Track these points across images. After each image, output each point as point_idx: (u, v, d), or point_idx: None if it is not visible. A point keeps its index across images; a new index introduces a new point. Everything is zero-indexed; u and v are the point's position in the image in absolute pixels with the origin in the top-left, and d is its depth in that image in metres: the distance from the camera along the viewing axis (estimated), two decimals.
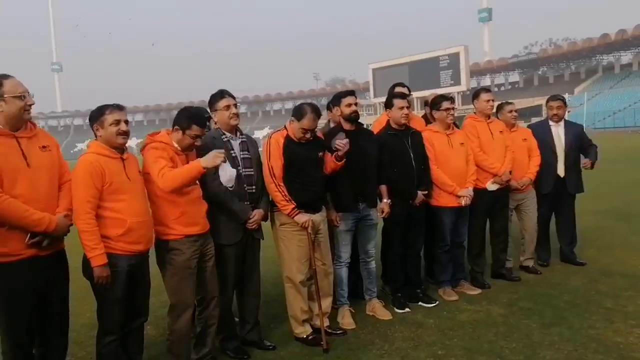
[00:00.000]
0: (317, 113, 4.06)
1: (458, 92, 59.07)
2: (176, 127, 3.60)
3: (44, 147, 3.18)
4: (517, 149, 5.55)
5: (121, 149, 3.35)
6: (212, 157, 3.37)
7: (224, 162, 3.43)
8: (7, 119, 3.05)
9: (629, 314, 4.38)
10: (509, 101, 5.99)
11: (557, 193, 5.86)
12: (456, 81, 65.47)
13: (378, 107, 65.06)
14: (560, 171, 5.84)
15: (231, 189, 3.79)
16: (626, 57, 75.21)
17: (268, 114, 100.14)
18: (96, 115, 3.32)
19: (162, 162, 3.43)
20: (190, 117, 3.59)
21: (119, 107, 3.35)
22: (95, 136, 3.36)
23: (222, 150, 3.49)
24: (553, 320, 4.36)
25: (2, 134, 3.02)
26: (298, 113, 4.07)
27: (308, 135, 4.08)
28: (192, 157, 3.63)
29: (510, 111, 5.68)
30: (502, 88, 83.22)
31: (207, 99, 4.03)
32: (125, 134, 3.32)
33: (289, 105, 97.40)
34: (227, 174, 3.60)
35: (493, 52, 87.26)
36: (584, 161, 5.94)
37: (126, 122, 3.34)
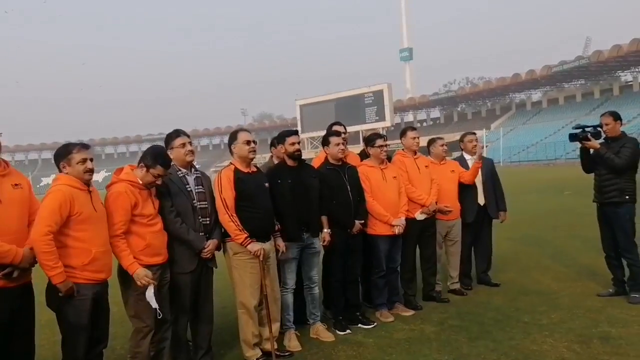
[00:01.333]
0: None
1: (382, 128, 61.08)
2: (142, 164, 3.88)
3: (16, 184, 3.36)
4: (447, 179, 6.15)
5: (88, 183, 3.56)
6: (142, 277, 3.66)
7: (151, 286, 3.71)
8: None
9: (543, 326, 4.95)
10: (440, 136, 6.66)
11: (478, 220, 6.49)
12: (381, 117, 67.63)
13: (306, 143, 65.99)
14: (481, 200, 6.50)
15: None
16: (536, 95, 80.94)
17: (195, 150, 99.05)
18: (63, 153, 3.54)
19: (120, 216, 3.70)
20: (155, 157, 3.88)
21: (84, 146, 3.59)
22: (60, 171, 3.56)
23: (151, 279, 3.74)
24: (479, 334, 4.85)
25: None
26: (233, 137, 4.53)
27: (252, 145, 4.50)
28: (153, 192, 3.90)
29: (442, 145, 6.33)
30: (425, 124, 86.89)
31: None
32: (91, 172, 3.55)
33: (216, 140, 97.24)
34: (150, 296, 3.77)
35: (415, 89, 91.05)
36: (502, 216, 6.71)
37: (91, 159, 3.58)
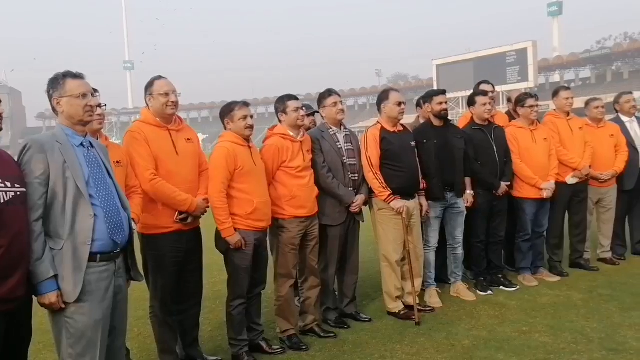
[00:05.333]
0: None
1: (525, 89, 57.55)
2: (279, 114, 4.19)
3: (188, 139, 3.77)
4: (604, 144, 5.78)
5: (248, 139, 3.90)
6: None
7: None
8: (156, 114, 3.65)
9: None
10: (596, 97, 6.24)
11: (637, 187, 6.03)
12: (523, 77, 63.58)
13: None
14: None
15: None
16: None
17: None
18: (226, 111, 3.90)
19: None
20: (281, 100, 4.21)
21: (245, 104, 3.92)
22: (225, 128, 3.93)
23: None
24: (633, 305, 4.62)
25: (157, 125, 3.63)
26: (384, 96, 4.65)
27: (402, 106, 4.58)
28: (306, 144, 4.17)
29: (597, 107, 5.91)
30: (573, 84, 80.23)
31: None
32: (252, 128, 3.88)
33: (350, 102, 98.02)
34: None
35: (563, 48, 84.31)
36: None
37: (252, 117, 3.90)
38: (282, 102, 4.19)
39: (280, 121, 4.22)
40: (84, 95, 2.74)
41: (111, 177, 2.85)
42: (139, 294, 4.48)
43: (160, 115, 3.64)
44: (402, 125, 4.72)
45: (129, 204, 2.96)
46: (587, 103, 6.04)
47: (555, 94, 5.84)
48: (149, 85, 3.67)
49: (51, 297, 2.52)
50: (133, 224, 2.98)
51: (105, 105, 3.31)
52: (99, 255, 2.63)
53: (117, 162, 3.30)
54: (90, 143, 2.82)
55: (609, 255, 6.06)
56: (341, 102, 4.49)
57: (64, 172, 2.58)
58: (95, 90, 3.07)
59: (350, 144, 4.50)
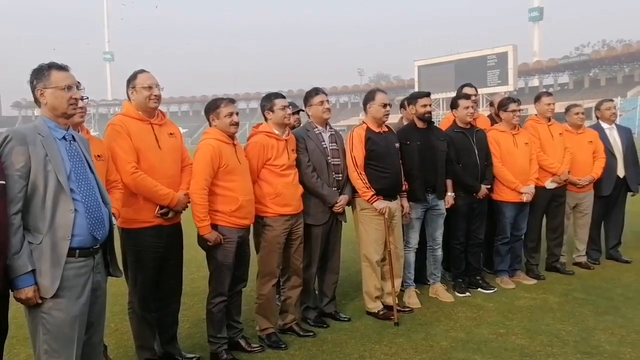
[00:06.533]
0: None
1: (505, 92, 58.18)
2: (265, 111, 4.17)
3: (171, 134, 3.72)
4: (582, 150, 5.87)
5: (232, 137, 3.87)
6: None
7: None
8: (138, 107, 3.60)
9: None
10: (576, 103, 6.34)
11: (613, 193, 6.14)
12: (503, 81, 64.29)
13: None
14: (620, 172, 6.14)
15: None
16: None
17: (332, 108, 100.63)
18: (212, 107, 3.86)
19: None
20: (268, 97, 4.20)
21: (231, 101, 3.89)
22: (210, 125, 3.89)
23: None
24: (607, 309, 4.70)
25: (140, 119, 3.58)
26: (370, 97, 4.67)
27: (388, 108, 4.59)
28: (291, 143, 4.15)
29: (577, 113, 5.99)
30: (551, 89, 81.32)
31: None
32: (237, 124, 3.85)
33: (331, 100, 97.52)
34: None
35: (542, 53, 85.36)
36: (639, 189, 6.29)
37: (237, 113, 3.87)
38: (268, 100, 4.16)
39: (266, 119, 4.20)
40: (69, 88, 2.70)
41: (92, 172, 2.80)
42: (116, 289, 4.44)
43: (143, 108, 3.60)
44: (387, 126, 4.73)
45: (109, 199, 2.92)
46: (567, 109, 6.12)
47: (537, 99, 5.91)
48: (132, 78, 3.63)
49: (28, 292, 2.47)
50: (113, 219, 2.94)
51: (88, 98, 3.25)
52: (78, 251, 2.59)
53: (98, 156, 3.25)
54: (73, 136, 2.77)
55: (584, 259, 6.16)
56: (328, 101, 4.48)
57: (45, 165, 2.54)
58: (79, 83, 3.02)
59: (335, 144, 4.49)
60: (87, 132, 3.53)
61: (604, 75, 79.95)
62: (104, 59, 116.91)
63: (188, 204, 3.72)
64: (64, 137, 2.70)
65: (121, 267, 3.12)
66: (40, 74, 2.69)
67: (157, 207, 3.56)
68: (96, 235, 2.66)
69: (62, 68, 2.73)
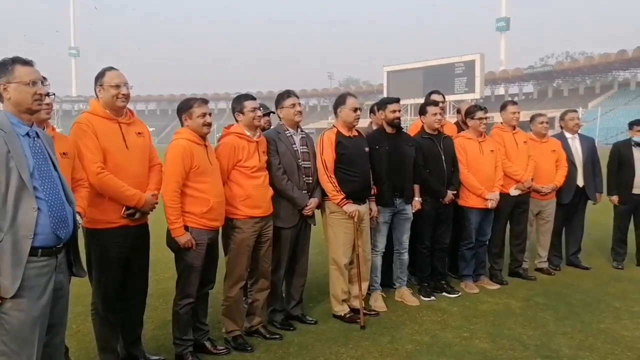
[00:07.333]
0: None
1: (471, 100, 59.17)
2: (235, 113, 4.15)
3: (139, 133, 3.66)
4: (546, 158, 6.02)
5: (204, 137, 3.84)
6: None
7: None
8: (106, 106, 3.54)
9: (635, 313, 4.85)
10: (541, 112, 6.51)
11: (573, 201, 6.32)
12: (470, 88, 65.58)
13: None
14: (580, 181, 6.32)
15: None
16: None
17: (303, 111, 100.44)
18: (185, 107, 3.81)
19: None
20: (238, 99, 4.18)
21: (204, 101, 3.85)
22: (182, 124, 3.85)
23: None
24: (566, 314, 4.82)
25: (107, 117, 3.52)
26: (341, 101, 4.68)
27: (359, 112, 4.64)
28: (262, 145, 4.14)
29: (542, 122, 6.14)
30: (516, 98, 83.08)
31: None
32: (209, 125, 3.81)
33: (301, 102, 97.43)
34: None
35: (509, 62, 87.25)
36: (597, 198, 6.53)
37: (210, 114, 3.84)
38: (238, 102, 4.15)
39: (237, 121, 4.17)
40: (34, 83, 2.63)
41: (56, 170, 2.74)
42: (79, 289, 4.33)
43: (110, 107, 3.53)
44: (357, 130, 4.76)
45: (74, 198, 2.85)
46: (532, 118, 6.27)
47: (503, 107, 6.03)
48: (100, 75, 3.55)
49: None
50: (78, 218, 2.88)
51: (54, 94, 3.17)
52: (40, 250, 2.53)
53: (64, 153, 3.16)
54: (37, 133, 2.71)
55: (545, 265, 6.31)
56: (299, 104, 4.48)
57: (7, 162, 2.46)
58: (45, 79, 2.95)
59: (305, 147, 4.50)
60: (52, 128, 3.45)
61: (567, 86, 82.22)
62: (69, 54, 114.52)
63: (156, 205, 3.67)
64: (27, 134, 2.63)
65: (85, 267, 3.06)
66: (3, 68, 2.61)
67: (124, 208, 3.49)
68: (59, 234, 2.60)
69: (27, 63, 2.66)
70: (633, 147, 6.45)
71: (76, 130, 3.46)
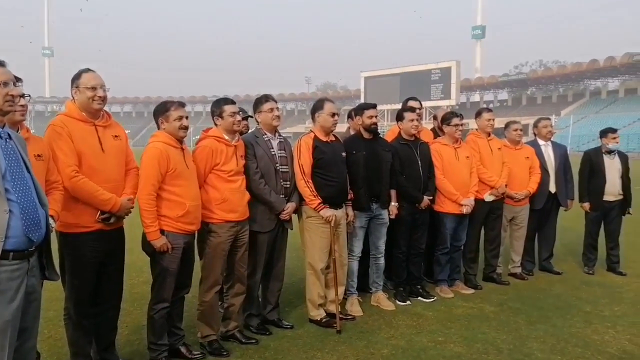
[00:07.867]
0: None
1: (447, 106, 59.79)
2: (214, 117, 4.14)
3: (115, 136, 3.62)
4: (519, 165, 6.12)
5: (181, 141, 3.81)
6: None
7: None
8: (82, 108, 3.49)
9: (605, 317, 4.95)
10: (516, 120, 6.62)
11: (545, 208, 6.44)
12: (446, 95, 66.17)
13: None
14: (552, 188, 6.44)
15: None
16: (613, 83, 76.91)
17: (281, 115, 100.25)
18: (161, 110, 3.79)
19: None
20: (217, 103, 4.18)
21: (181, 104, 3.83)
22: (158, 127, 3.82)
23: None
24: (538, 318, 4.91)
25: (83, 120, 3.47)
26: (319, 106, 4.71)
27: (336, 117, 4.67)
28: (240, 149, 4.13)
29: (516, 130, 6.25)
30: (491, 105, 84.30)
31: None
32: (186, 129, 3.80)
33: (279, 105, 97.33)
34: None
35: (484, 69, 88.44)
36: (569, 204, 6.65)
37: (187, 117, 3.82)
38: (218, 106, 4.14)
39: (215, 124, 4.16)
40: (5, 84, 2.58)
41: (29, 172, 2.69)
42: (51, 294, 4.27)
43: (86, 109, 3.49)
44: (334, 135, 4.79)
45: (47, 201, 2.81)
46: (507, 125, 6.38)
47: (478, 114, 6.12)
48: (76, 77, 3.50)
49: None
50: (51, 221, 2.83)
51: (29, 95, 3.12)
52: (11, 253, 2.48)
53: (38, 155, 3.10)
54: (9, 134, 2.66)
55: (519, 270, 6.41)
56: (277, 108, 4.49)
57: None
58: (18, 79, 2.89)
59: (283, 151, 4.50)
60: (27, 130, 3.39)
61: (540, 93, 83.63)
62: (43, 54, 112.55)
63: (132, 209, 3.63)
64: None
65: (58, 271, 3.02)
66: None
67: (99, 212, 3.45)
68: (32, 237, 2.55)
69: None
70: (604, 155, 6.60)
71: (51, 132, 3.41)
